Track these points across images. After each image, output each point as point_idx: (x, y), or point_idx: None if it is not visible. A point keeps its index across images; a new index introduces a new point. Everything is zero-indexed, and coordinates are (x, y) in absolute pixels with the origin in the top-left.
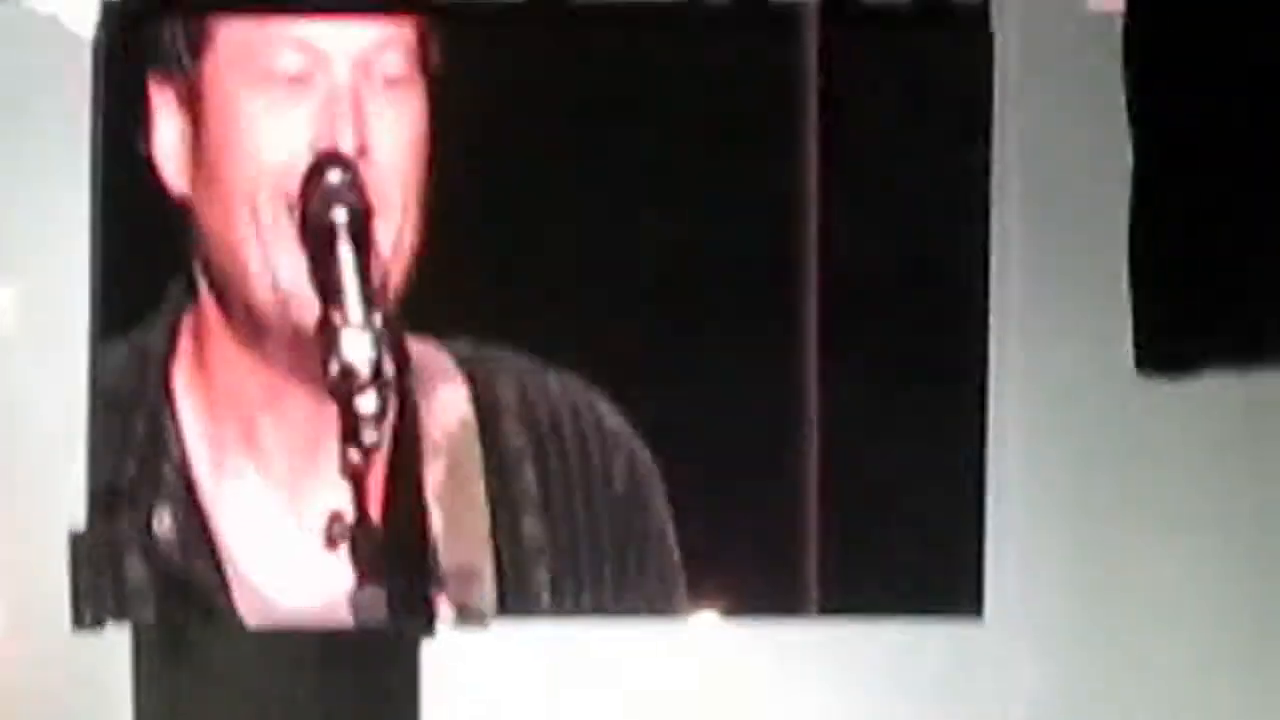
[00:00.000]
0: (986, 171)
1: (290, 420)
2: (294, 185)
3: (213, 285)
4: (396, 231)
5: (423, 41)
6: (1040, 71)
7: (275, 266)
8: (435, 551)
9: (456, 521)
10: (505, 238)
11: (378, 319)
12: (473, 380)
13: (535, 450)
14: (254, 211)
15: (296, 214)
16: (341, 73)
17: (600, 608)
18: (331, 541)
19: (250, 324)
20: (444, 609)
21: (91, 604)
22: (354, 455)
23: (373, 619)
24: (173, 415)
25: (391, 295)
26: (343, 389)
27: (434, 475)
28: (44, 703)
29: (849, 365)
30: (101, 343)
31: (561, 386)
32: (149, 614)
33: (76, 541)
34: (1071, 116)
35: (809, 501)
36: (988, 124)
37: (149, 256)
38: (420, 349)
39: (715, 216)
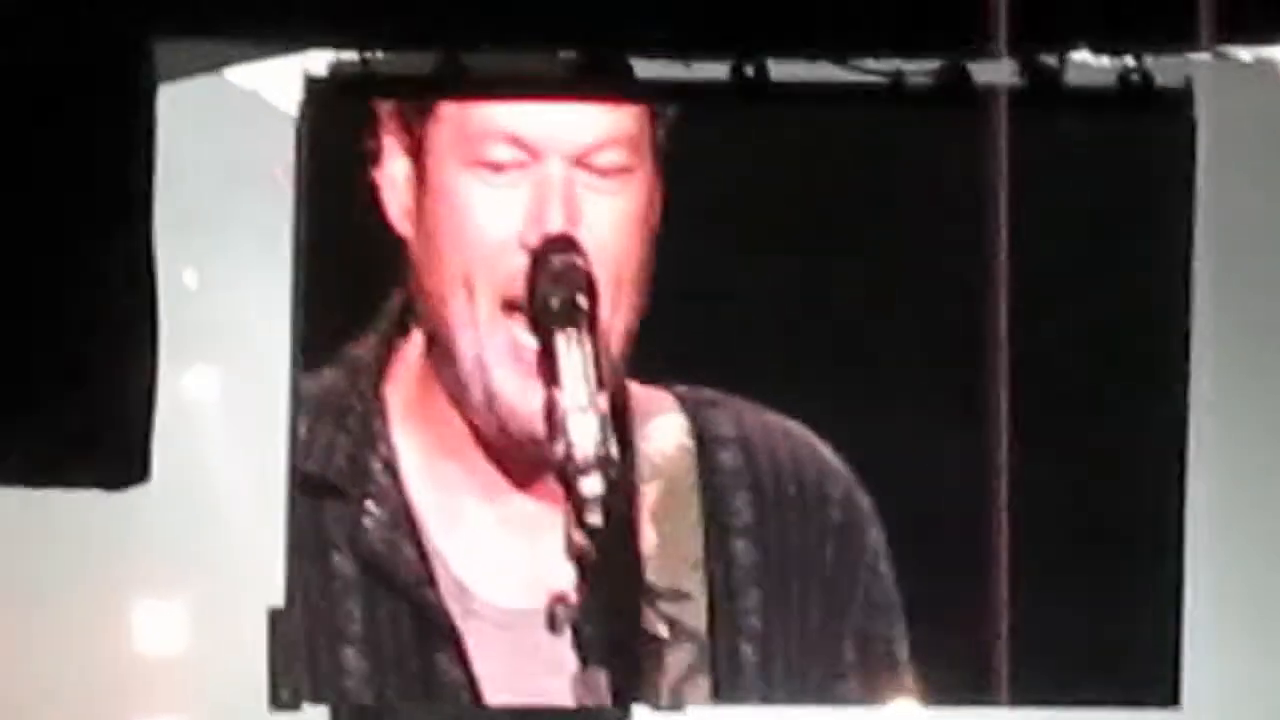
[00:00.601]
0: (1189, 257)
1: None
2: (507, 276)
3: (425, 332)
4: (611, 313)
5: (650, 127)
6: (1238, 149)
7: (488, 365)
8: (644, 570)
9: (669, 542)
10: (725, 297)
11: (603, 402)
12: (692, 414)
13: (751, 476)
14: (470, 295)
15: (524, 301)
16: (555, 169)
17: (809, 640)
18: (554, 625)
19: (457, 391)
20: (656, 627)
21: (290, 682)
22: (579, 538)
23: (596, 701)
24: (384, 420)
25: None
26: (568, 472)
27: (649, 497)
28: None
29: (1043, 451)
30: (307, 364)
31: (780, 423)
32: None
33: (275, 619)
34: (1268, 194)
35: (1000, 587)
36: (1190, 206)
37: (364, 275)
38: (639, 390)
39: (910, 290)
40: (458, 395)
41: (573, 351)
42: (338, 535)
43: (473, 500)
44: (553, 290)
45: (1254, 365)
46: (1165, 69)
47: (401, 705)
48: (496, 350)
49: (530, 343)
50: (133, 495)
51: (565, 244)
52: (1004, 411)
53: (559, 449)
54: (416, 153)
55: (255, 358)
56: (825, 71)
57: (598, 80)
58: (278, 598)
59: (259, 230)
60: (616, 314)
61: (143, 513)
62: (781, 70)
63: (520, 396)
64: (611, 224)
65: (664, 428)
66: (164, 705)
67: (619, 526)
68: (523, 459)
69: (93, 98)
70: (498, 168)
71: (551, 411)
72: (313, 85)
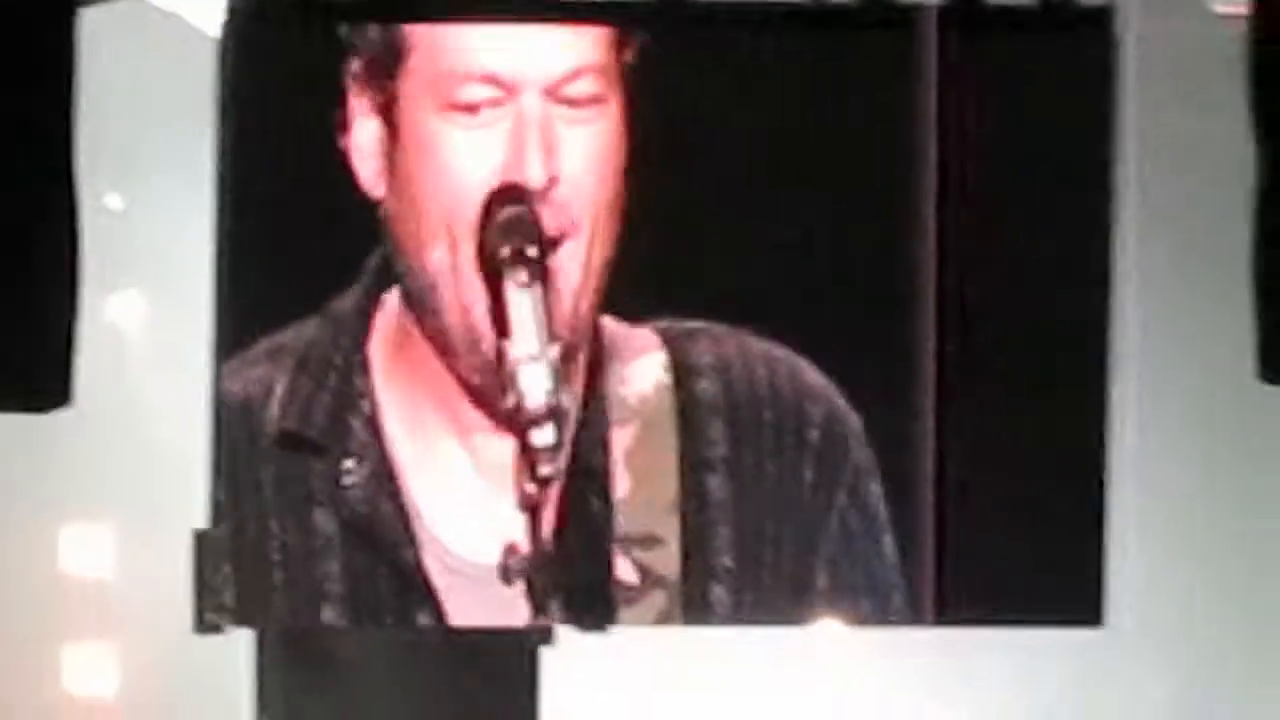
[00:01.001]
0: (1109, 176)
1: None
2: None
3: (404, 289)
4: (586, 251)
5: (618, 54)
6: (1162, 75)
7: (467, 300)
8: (614, 519)
9: (644, 486)
10: (698, 228)
11: (554, 352)
12: (671, 347)
13: (727, 403)
14: (453, 244)
15: (473, 249)
16: (530, 104)
17: (781, 570)
18: (507, 577)
19: (440, 340)
20: (628, 575)
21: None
22: (530, 488)
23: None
24: (366, 376)
25: (584, 310)
26: (519, 422)
27: (623, 440)
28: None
29: (970, 376)
30: (298, 319)
31: (762, 347)
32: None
33: (201, 541)
34: (1193, 121)
35: (926, 510)
36: (1110, 128)
37: (342, 237)
38: (617, 328)
39: (837, 213)
40: (441, 345)
41: (522, 301)
42: (319, 492)
43: (455, 450)
44: (501, 240)
45: (1176, 279)
46: None
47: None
48: (479, 296)
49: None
50: (56, 418)
51: (514, 193)
52: (931, 335)
53: (509, 400)
54: (388, 110)
55: (178, 281)
56: None
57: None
58: (201, 520)
59: (181, 154)
60: (595, 248)
61: (66, 436)
62: None
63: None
64: (588, 155)
65: (642, 368)
66: (90, 630)
67: (589, 474)
68: None
69: (13, 19)
70: (472, 109)
71: (501, 361)
72: (234, 6)
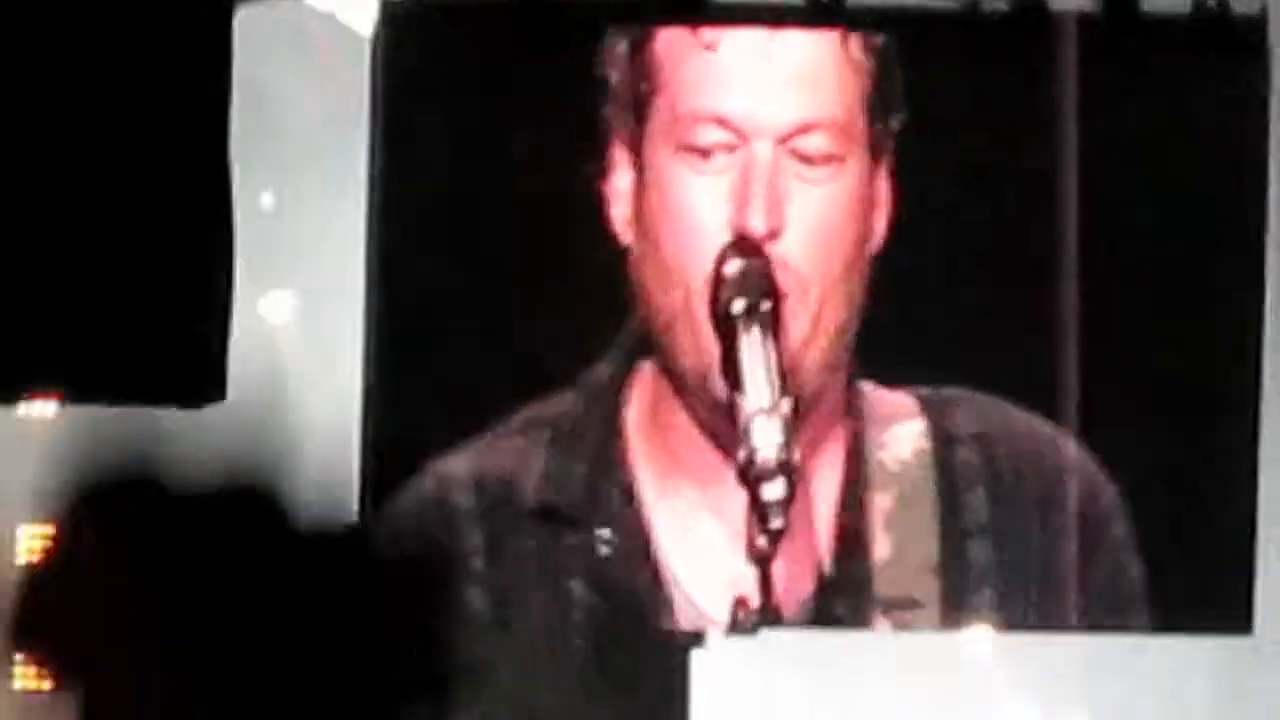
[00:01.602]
0: (1264, 185)
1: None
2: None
3: (655, 347)
4: (814, 310)
5: (869, 119)
6: None
7: (705, 349)
8: (873, 582)
9: (903, 550)
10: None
11: (786, 406)
12: (933, 414)
13: (988, 473)
14: (686, 296)
15: (706, 302)
16: (762, 151)
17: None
18: (735, 628)
19: (689, 403)
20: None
21: None
22: (761, 540)
23: None
24: (622, 448)
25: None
26: (751, 476)
27: (883, 504)
28: None
29: (1114, 380)
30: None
31: (1024, 418)
32: None
33: None
34: None
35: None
36: (1265, 135)
37: (598, 301)
38: (880, 394)
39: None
40: (689, 405)
41: (755, 355)
42: (574, 565)
43: (710, 518)
44: (734, 293)
45: None
46: None
47: None
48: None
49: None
50: (209, 414)
51: (748, 244)
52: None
53: (741, 453)
54: (638, 150)
55: (330, 281)
56: None
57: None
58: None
59: (335, 154)
60: (825, 309)
61: (219, 432)
62: None
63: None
64: (819, 214)
65: (902, 433)
66: None
67: (851, 538)
68: None
69: (170, 17)
70: (706, 153)
71: (734, 414)
72: (388, 8)
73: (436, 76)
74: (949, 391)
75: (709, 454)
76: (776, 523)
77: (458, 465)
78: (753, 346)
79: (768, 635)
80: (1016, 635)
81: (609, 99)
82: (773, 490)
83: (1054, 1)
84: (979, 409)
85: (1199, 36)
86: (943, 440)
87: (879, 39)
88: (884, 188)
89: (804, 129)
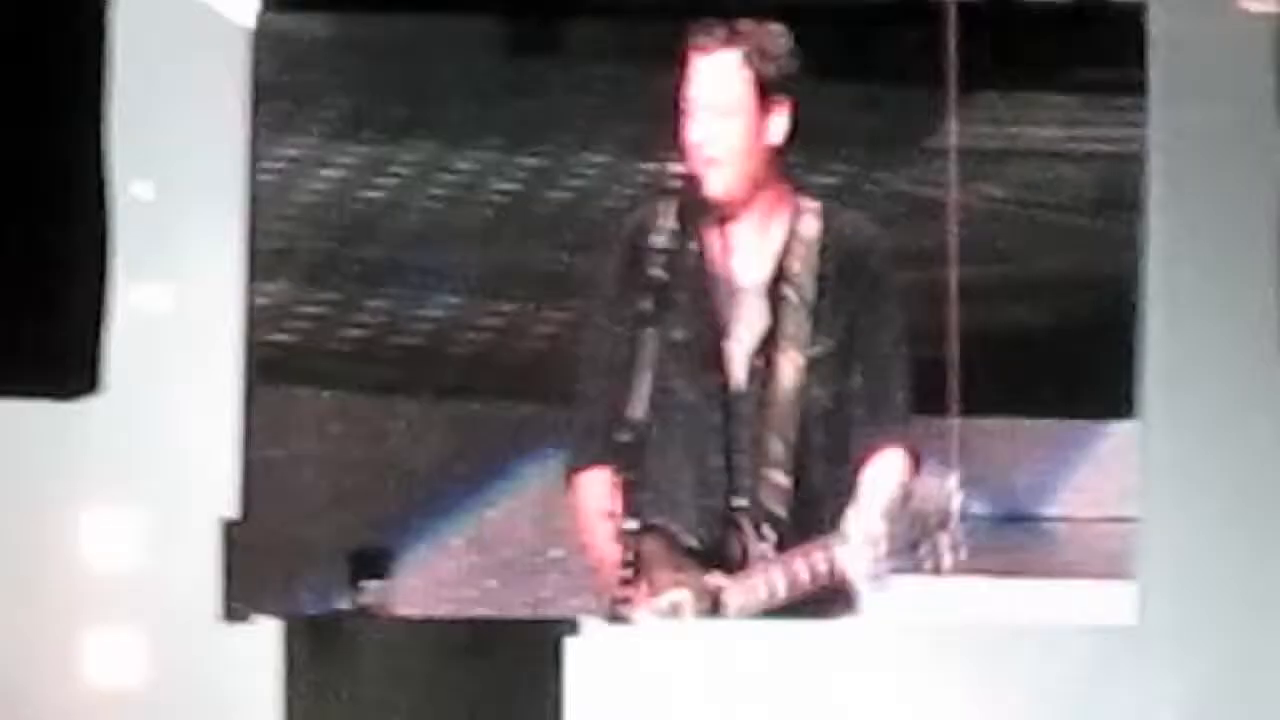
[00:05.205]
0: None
1: None
2: None
3: None
4: None
5: None
6: (1190, 69)
7: None
8: None
9: None
10: None
11: None
12: None
13: None
14: None
15: None
16: None
17: None
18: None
19: None
20: None
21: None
22: None
23: None
24: None
25: None
26: None
27: None
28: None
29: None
30: None
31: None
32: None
33: (229, 531)
34: (1220, 113)
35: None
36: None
37: None
38: None
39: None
40: None
41: None
42: None
43: None
44: None
45: (1203, 262)
46: None
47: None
48: None
49: None
50: (84, 406)
51: None
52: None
53: None
54: None
55: (208, 270)
56: None
57: None
58: (230, 510)
59: (210, 143)
60: None
61: (94, 424)
62: None
63: None
64: None
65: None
66: (114, 618)
67: None
68: None
69: (45, 7)
70: None
71: None
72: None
73: (315, 66)
74: None
75: None
76: None
77: None
78: None
79: None
80: None
81: None
82: None
83: None
84: None
85: (1080, 24)
86: None
87: None
88: None
89: None
